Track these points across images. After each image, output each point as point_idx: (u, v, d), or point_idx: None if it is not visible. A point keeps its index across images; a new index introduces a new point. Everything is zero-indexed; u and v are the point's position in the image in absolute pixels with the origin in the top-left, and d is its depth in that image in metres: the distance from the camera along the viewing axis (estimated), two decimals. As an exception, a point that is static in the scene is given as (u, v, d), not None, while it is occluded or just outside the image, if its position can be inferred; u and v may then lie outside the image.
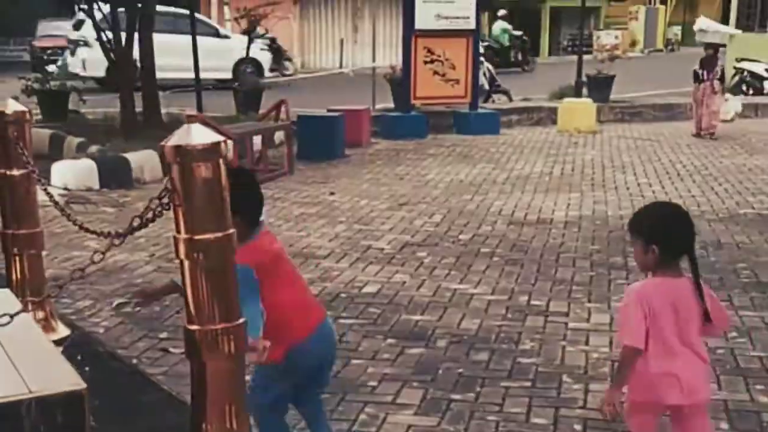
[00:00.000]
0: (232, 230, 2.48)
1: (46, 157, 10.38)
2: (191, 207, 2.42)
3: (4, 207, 3.68)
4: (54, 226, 6.99)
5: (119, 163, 9.40)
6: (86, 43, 19.42)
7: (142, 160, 9.51)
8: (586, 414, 3.91)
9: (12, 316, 2.13)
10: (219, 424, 2.34)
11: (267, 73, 21.47)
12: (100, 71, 17.21)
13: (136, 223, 2.55)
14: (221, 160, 2.42)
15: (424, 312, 5.33)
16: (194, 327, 2.40)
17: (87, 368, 3.50)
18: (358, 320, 5.14)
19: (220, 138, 2.45)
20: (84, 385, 2.11)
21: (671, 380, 2.93)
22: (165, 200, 2.50)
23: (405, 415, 3.93)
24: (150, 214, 2.53)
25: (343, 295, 5.60)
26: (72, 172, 8.96)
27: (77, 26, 21.21)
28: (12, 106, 3.72)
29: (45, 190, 3.55)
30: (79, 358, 3.59)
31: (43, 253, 3.87)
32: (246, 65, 20.44)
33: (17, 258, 3.67)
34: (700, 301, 2.95)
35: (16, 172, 3.63)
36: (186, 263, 2.45)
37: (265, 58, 21.95)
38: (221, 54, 20.24)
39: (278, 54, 23.24)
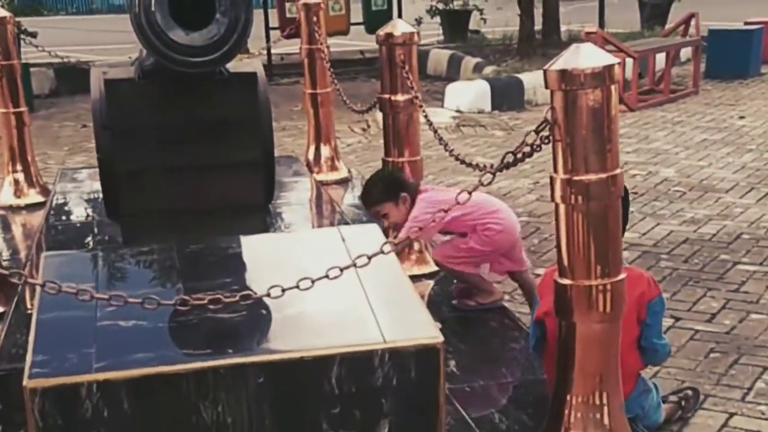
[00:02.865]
0: (618, 171, 2.17)
1: (444, 78, 10.63)
2: (573, 142, 2.16)
3: (387, 134, 3.66)
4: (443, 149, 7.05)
5: (512, 84, 9.27)
6: None
7: (536, 82, 9.27)
8: None
9: (370, 258, 2.01)
10: (584, 396, 2.06)
11: None
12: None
13: (510, 159, 2.34)
14: (613, 87, 2.11)
15: None
16: (565, 281, 2.14)
17: (452, 309, 3.37)
18: (762, 267, 4.50)
19: (614, 60, 2.13)
20: (441, 338, 1.95)
21: None
22: (545, 133, 2.26)
23: (816, 388, 3.34)
24: (526, 149, 2.31)
25: (745, 236, 4.96)
26: (465, 94, 9.02)
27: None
28: (400, 28, 3.65)
29: (426, 116, 3.46)
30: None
31: (422, 181, 3.81)
32: None
33: (396, 187, 3.65)
34: None
35: (400, 98, 3.58)
36: (561, 207, 2.19)
37: None
38: None
39: None
